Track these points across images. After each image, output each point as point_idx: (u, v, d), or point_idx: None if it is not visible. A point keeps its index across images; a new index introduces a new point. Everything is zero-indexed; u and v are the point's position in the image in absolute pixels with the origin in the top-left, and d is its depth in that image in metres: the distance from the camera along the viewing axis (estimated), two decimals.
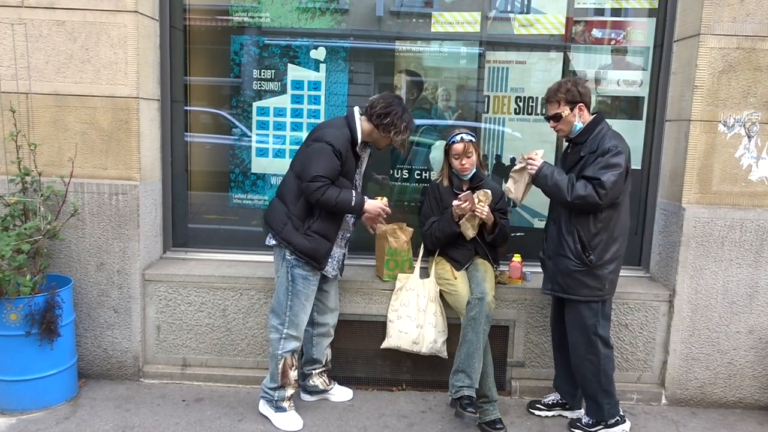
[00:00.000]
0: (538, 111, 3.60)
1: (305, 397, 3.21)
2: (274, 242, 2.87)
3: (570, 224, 2.78)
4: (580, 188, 2.66)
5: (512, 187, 2.91)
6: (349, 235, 3.03)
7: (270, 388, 2.97)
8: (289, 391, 2.96)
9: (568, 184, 2.70)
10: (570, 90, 2.77)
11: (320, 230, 2.81)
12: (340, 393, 3.26)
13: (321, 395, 3.22)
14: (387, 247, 3.28)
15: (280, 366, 2.90)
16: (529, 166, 2.81)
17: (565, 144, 3.01)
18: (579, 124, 2.80)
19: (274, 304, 2.93)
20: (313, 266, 2.85)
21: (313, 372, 3.16)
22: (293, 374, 2.94)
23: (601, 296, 2.80)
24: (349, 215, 2.93)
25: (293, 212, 2.80)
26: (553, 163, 3.59)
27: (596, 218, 2.73)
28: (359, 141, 2.82)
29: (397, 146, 2.91)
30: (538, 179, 2.79)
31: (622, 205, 2.78)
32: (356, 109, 2.87)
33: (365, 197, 2.87)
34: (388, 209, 2.90)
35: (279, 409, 2.96)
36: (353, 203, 2.78)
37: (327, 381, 3.21)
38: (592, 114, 2.83)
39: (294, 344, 2.91)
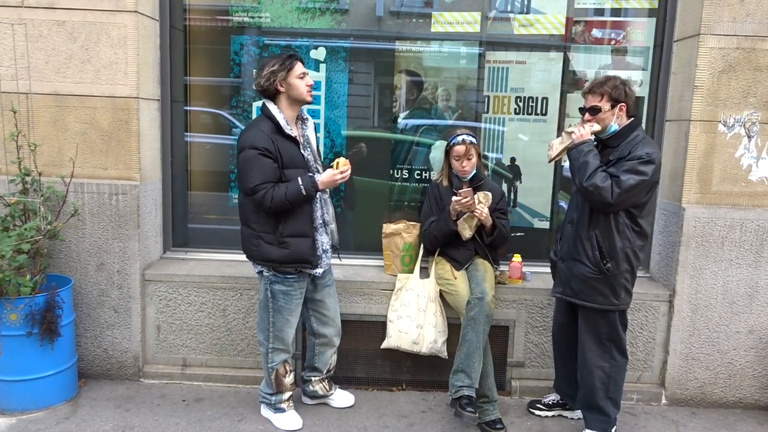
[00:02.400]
0: (538, 111, 3.60)
1: (305, 400, 3.19)
2: (257, 269, 2.82)
3: (589, 229, 2.69)
4: (600, 178, 2.55)
5: (555, 144, 2.78)
6: (327, 217, 2.85)
7: (267, 393, 2.98)
8: (286, 395, 2.96)
9: (593, 170, 2.58)
10: (617, 87, 2.65)
11: (293, 232, 2.68)
12: (341, 398, 3.21)
13: (321, 400, 3.19)
14: (402, 243, 3.33)
15: (273, 376, 2.91)
16: (575, 135, 2.68)
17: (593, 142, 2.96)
18: (615, 126, 2.69)
19: (258, 320, 2.92)
20: (302, 272, 2.76)
21: (313, 379, 3.13)
22: (288, 380, 2.94)
23: (617, 306, 2.72)
24: (312, 200, 2.71)
25: (259, 229, 2.68)
26: (559, 160, 3.61)
27: (618, 226, 2.64)
28: (282, 120, 2.63)
29: (300, 80, 2.65)
30: (575, 150, 2.67)
31: (646, 217, 2.69)
32: (264, 101, 2.71)
33: (314, 175, 2.68)
34: (344, 170, 2.66)
35: (278, 410, 2.97)
36: (304, 190, 2.59)
37: (327, 387, 3.17)
38: (629, 118, 2.71)
39: (283, 356, 2.89)
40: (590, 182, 2.57)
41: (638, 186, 2.54)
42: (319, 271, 2.82)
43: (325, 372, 3.13)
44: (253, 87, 2.71)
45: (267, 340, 2.86)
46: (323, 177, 2.68)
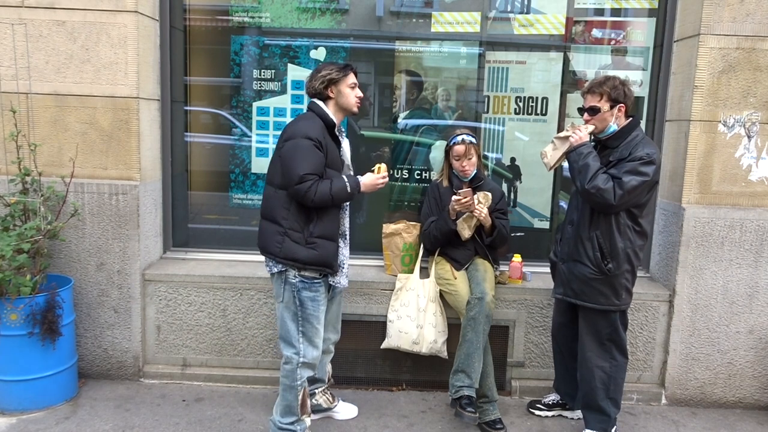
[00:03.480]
0: (538, 111, 3.60)
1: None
2: (276, 269, 2.60)
3: (590, 230, 2.69)
4: (601, 180, 2.55)
5: (549, 152, 2.78)
6: (346, 230, 2.78)
7: (289, 423, 2.65)
8: (308, 420, 2.72)
9: (594, 172, 2.58)
10: (617, 87, 2.65)
11: (323, 233, 2.59)
12: (345, 410, 3.10)
13: (324, 413, 3.06)
14: (402, 243, 3.32)
15: (300, 397, 2.64)
16: (573, 138, 2.68)
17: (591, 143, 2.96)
18: (614, 126, 2.68)
19: (283, 333, 2.65)
20: (325, 275, 2.65)
21: (317, 391, 3.01)
22: (309, 401, 2.75)
23: (618, 306, 2.72)
24: (351, 200, 2.71)
25: (287, 226, 2.55)
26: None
27: (618, 226, 2.64)
28: (333, 119, 2.63)
29: (351, 90, 2.66)
30: (574, 153, 2.66)
31: (647, 216, 2.69)
32: (312, 101, 2.69)
33: (358, 176, 2.67)
34: (385, 175, 2.70)
35: None
36: (349, 188, 2.56)
37: (331, 398, 3.06)
38: (628, 117, 2.71)
39: (309, 372, 2.67)
40: (592, 184, 2.56)
41: (640, 187, 2.55)
42: (343, 281, 2.73)
43: (327, 380, 3.06)
44: (305, 90, 2.70)
45: (297, 354, 2.61)
46: (366, 179, 2.66)
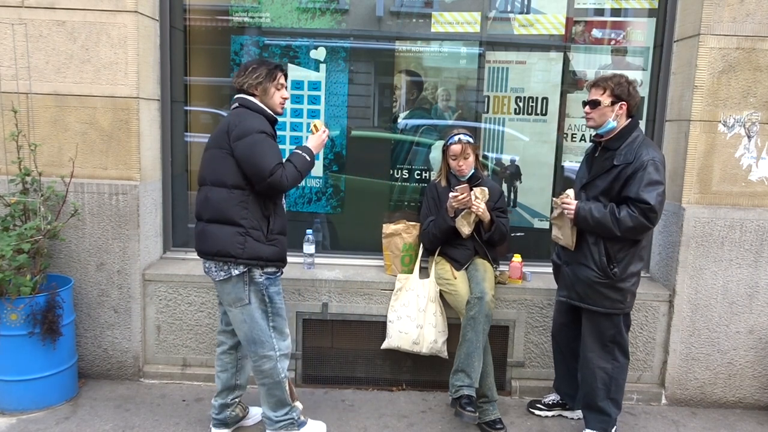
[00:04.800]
0: (538, 111, 3.60)
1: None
2: (236, 272, 2.51)
3: (596, 234, 2.68)
4: (627, 220, 2.55)
5: (560, 235, 2.82)
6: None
7: (284, 414, 2.70)
8: (300, 405, 2.78)
9: (611, 219, 2.57)
10: (621, 84, 2.65)
11: (281, 229, 2.62)
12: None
13: (238, 424, 2.93)
14: (402, 243, 3.32)
15: (286, 387, 2.68)
16: (566, 211, 2.71)
17: (590, 143, 2.94)
18: (612, 123, 2.67)
19: (253, 335, 2.58)
20: (280, 270, 2.66)
21: (237, 401, 2.86)
22: (293, 386, 2.79)
23: (622, 309, 2.73)
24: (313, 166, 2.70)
25: (248, 225, 2.50)
26: (559, 160, 3.62)
27: None
28: (273, 115, 2.61)
29: (280, 102, 2.64)
30: (579, 221, 2.67)
31: None
32: (241, 96, 2.61)
33: (305, 144, 2.67)
34: (325, 129, 2.70)
35: (301, 424, 2.76)
36: (308, 157, 2.58)
37: (243, 406, 2.94)
38: (628, 118, 2.70)
39: (287, 362, 2.68)
40: (623, 229, 2.58)
41: (664, 197, 2.58)
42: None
43: (246, 387, 2.91)
44: (233, 84, 2.64)
45: (273, 349, 2.61)
46: (312, 142, 2.66)
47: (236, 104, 2.61)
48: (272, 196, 2.56)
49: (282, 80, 2.66)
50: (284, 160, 2.53)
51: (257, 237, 2.52)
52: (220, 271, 2.54)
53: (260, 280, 2.56)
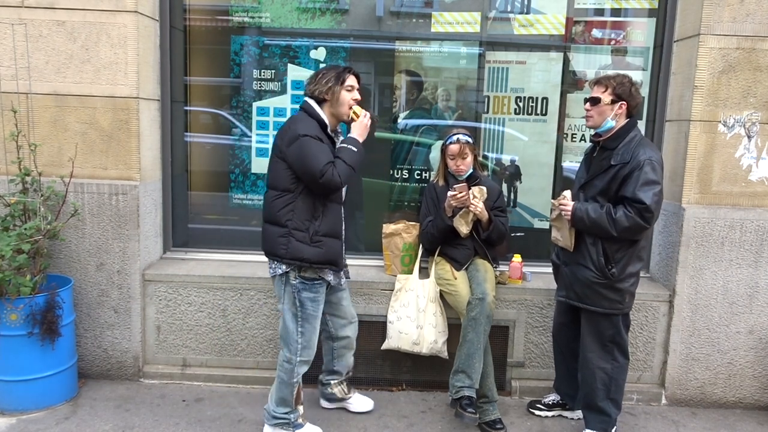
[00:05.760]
0: (538, 111, 3.60)
1: (324, 403, 3.16)
2: (280, 271, 2.64)
3: (594, 235, 2.69)
4: (623, 220, 2.55)
5: (559, 237, 2.83)
6: (343, 230, 2.82)
7: (283, 413, 2.79)
8: (301, 409, 2.85)
9: (608, 219, 2.59)
10: (623, 84, 2.66)
11: (328, 230, 2.65)
12: (359, 403, 3.15)
13: (339, 403, 3.14)
14: (402, 243, 3.33)
15: (295, 392, 2.77)
16: (563, 212, 2.72)
17: (589, 143, 2.93)
18: (611, 122, 2.68)
19: (282, 333, 2.74)
20: (330, 273, 2.71)
21: (332, 382, 3.09)
22: (302, 393, 2.86)
23: (621, 309, 2.73)
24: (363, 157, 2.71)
25: (292, 226, 2.59)
26: (559, 160, 3.62)
27: None
28: (326, 121, 2.64)
29: (350, 104, 2.66)
30: (576, 222, 2.68)
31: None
32: (306, 98, 2.70)
33: (349, 134, 2.69)
34: (366, 113, 2.69)
35: (297, 426, 2.82)
36: (356, 149, 2.62)
37: (346, 389, 3.12)
38: (627, 118, 2.71)
39: (306, 368, 2.77)
40: (619, 230, 2.58)
41: (660, 197, 2.58)
42: (342, 281, 2.83)
43: (344, 374, 3.10)
44: (305, 91, 2.71)
45: (295, 353, 2.70)
46: (355, 130, 2.68)
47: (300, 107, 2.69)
48: (326, 196, 2.62)
49: (351, 81, 2.68)
50: (334, 158, 2.59)
51: (301, 238, 2.60)
52: (269, 269, 2.71)
53: (294, 282, 2.65)
